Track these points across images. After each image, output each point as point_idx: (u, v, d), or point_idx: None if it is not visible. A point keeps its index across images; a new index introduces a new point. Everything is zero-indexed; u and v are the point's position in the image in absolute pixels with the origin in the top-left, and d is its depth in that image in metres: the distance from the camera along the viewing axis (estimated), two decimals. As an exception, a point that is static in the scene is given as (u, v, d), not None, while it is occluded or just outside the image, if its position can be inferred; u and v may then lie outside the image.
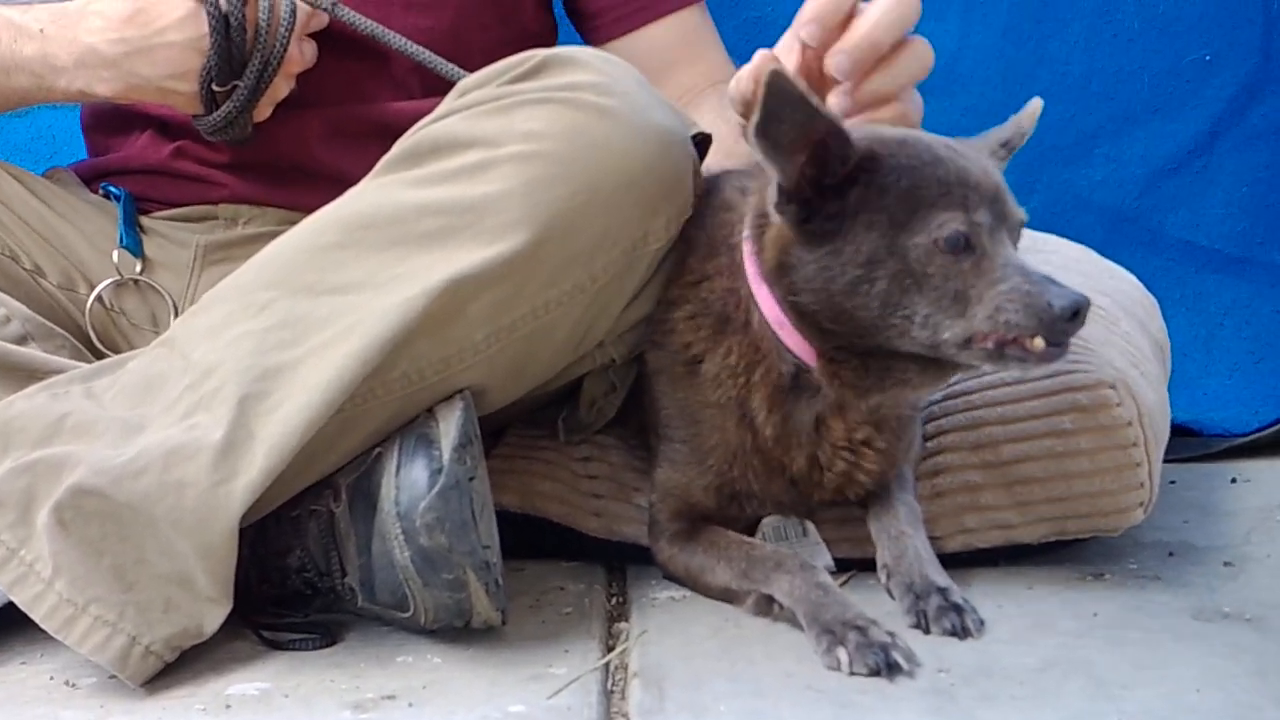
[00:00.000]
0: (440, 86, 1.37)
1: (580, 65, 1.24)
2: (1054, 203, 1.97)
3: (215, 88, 1.37)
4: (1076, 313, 1.09)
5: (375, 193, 1.25)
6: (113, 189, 1.55)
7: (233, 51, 1.36)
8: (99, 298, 1.48)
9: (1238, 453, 1.81)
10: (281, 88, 1.41)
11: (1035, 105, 1.29)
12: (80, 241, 1.50)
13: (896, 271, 1.14)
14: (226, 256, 1.51)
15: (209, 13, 1.35)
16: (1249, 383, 1.99)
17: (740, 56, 1.94)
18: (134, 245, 1.51)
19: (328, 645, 1.20)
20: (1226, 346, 2.00)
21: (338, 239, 1.22)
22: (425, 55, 1.41)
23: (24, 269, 1.46)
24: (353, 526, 1.19)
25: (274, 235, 1.45)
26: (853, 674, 1.10)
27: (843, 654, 1.11)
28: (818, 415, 1.26)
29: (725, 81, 1.59)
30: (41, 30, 1.41)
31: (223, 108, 1.39)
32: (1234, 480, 1.67)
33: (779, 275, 1.20)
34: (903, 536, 1.26)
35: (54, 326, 1.40)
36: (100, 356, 1.43)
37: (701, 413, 1.29)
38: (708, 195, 1.30)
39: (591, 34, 1.67)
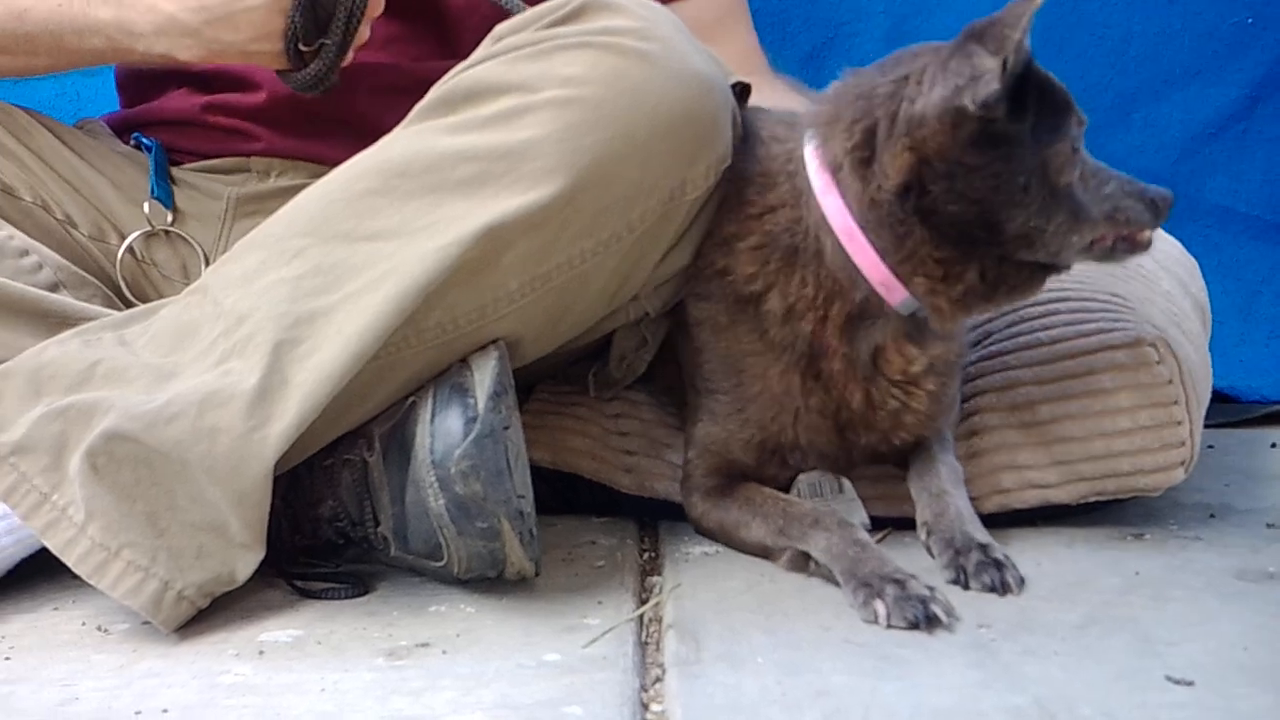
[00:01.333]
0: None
1: (619, 10, 1.22)
2: (1091, 166, 1.95)
3: (302, 47, 1.36)
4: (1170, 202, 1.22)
5: (410, 139, 1.23)
6: (144, 140, 1.54)
7: (318, 11, 1.35)
8: (130, 248, 1.47)
9: (1276, 418, 1.79)
10: (365, 33, 1.39)
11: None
12: (111, 192, 1.49)
13: (1044, 180, 1.17)
14: (259, 209, 1.50)
15: None
16: (1286, 351, 1.97)
17: (772, 14, 1.96)
18: (165, 196, 1.50)
19: (360, 595, 1.20)
20: (1264, 313, 1.98)
21: (372, 185, 1.21)
22: None
23: (55, 219, 1.45)
24: (386, 475, 1.18)
25: (305, 187, 1.45)
26: (890, 627, 1.09)
27: (880, 606, 1.10)
28: (876, 347, 1.25)
29: (757, 71, 1.59)
30: None
31: (312, 66, 1.36)
32: (1274, 445, 1.65)
33: (907, 191, 1.18)
34: (944, 495, 1.25)
35: (86, 274, 1.40)
36: (130, 307, 1.41)
37: (745, 361, 1.28)
38: (748, 131, 1.28)
39: None
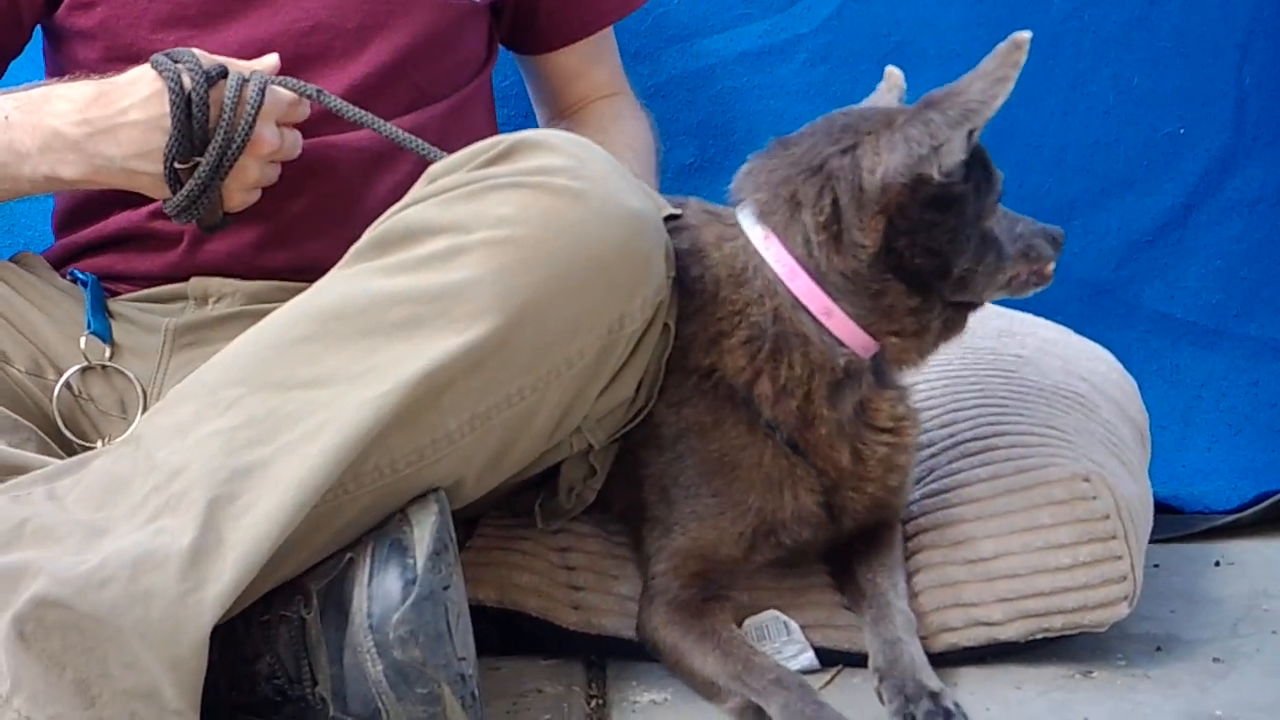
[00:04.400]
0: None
1: (551, 149, 1.23)
2: (1030, 275, 1.97)
3: (177, 165, 1.35)
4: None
5: (344, 283, 1.23)
6: (79, 274, 1.51)
7: (194, 129, 1.34)
8: (66, 384, 1.44)
9: (1220, 532, 1.79)
10: (252, 171, 1.38)
11: (891, 73, 1.43)
12: (48, 327, 1.47)
13: (978, 227, 1.27)
14: (196, 340, 1.48)
15: (170, 88, 1.33)
16: (1226, 456, 1.97)
17: (716, 127, 1.99)
18: (102, 330, 1.47)
19: (298, 757, 1.17)
20: (1204, 420, 1.99)
21: (307, 331, 1.20)
22: (415, 142, 1.39)
23: (-11, 356, 1.43)
24: (324, 635, 1.16)
25: (244, 315, 1.44)
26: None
27: (835, 768, 1.09)
28: (860, 401, 1.30)
29: (616, 95, 1.69)
30: (6, 118, 1.38)
31: (185, 186, 1.36)
32: (1218, 563, 1.65)
33: (877, 253, 1.25)
34: (898, 642, 1.25)
35: (19, 418, 1.36)
36: (68, 444, 1.40)
37: (739, 456, 1.30)
38: (676, 237, 1.31)
39: (530, 47, 1.68)
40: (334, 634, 1.15)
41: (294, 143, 1.40)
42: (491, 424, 1.20)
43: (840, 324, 1.27)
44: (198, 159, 1.35)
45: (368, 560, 1.14)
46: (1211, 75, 1.97)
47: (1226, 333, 1.99)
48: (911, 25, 1.96)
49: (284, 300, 1.28)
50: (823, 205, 1.26)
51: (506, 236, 1.18)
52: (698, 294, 1.30)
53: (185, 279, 1.51)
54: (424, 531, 1.14)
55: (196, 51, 1.35)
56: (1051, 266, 1.33)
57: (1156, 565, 1.62)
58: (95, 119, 1.35)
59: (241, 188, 1.39)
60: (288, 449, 1.15)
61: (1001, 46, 1.22)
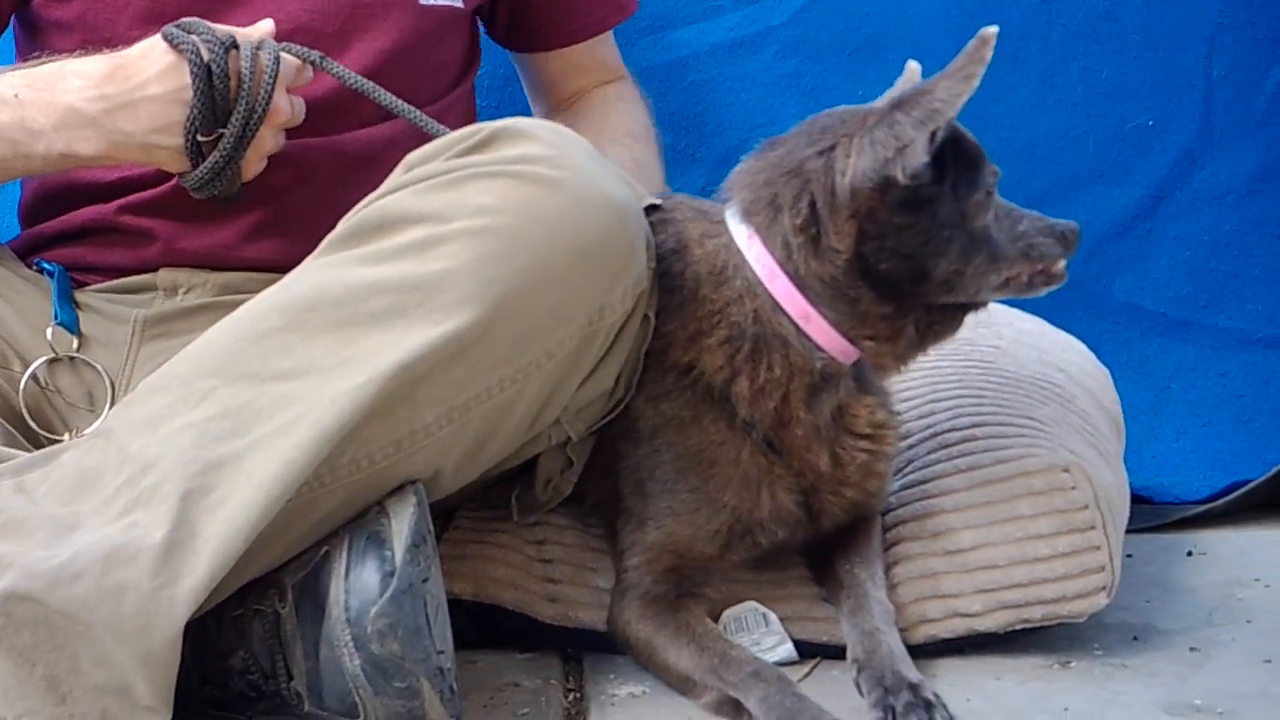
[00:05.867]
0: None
1: (531, 137, 1.22)
2: (1001, 268, 1.97)
3: (200, 138, 1.33)
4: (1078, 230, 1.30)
5: (319, 272, 1.21)
6: (46, 265, 1.49)
7: (216, 101, 1.32)
8: (33, 376, 1.41)
9: (1191, 522, 1.80)
10: (268, 140, 1.36)
11: (911, 68, 1.38)
12: (14, 318, 1.44)
13: (963, 227, 1.23)
14: (165, 331, 1.45)
15: (190, 62, 1.31)
16: (1196, 447, 1.98)
17: (688, 119, 1.98)
18: (69, 321, 1.45)
19: (273, 753, 1.15)
20: (1174, 410, 2.00)
21: (281, 322, 1.18)
22: (414, 114, 1.38)
23: (-45, 349, 1.40)
24: (299, 629, 1.14)
25: (214, 306, 1.41)
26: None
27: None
28: (839, 405, 1.29)
29: (614, 81, 1.68)
30: (17, 96, 1.34)
31: (209, 159, 1.34)
32: (1190, 553, 1.66)
33: (851, 258, 1.23)
34: (876, 633, 1.24)
35: (-15, 410, 1.34)
36: (35, 438, 1.37)
37: (716, 451, 1.29)
38: (661, 232, 1.30)
39: (529, 46, 1.67)
40: (310, 628, 1.13)
41: (301, 109, 1.38)
42: (470, 416, 1.19)
43: (818, 329, 1.26)
44: (220, 131, 1.33)
45: (344, 553, 1.13)
46: (1179, 67, 1.98)
47: (1195, 324, 2.00)
48: (883, 18, 1.96)
49: (255, 291, 1.26)
50: (800, 208, 1.25)
51: (486, 226, 1.17)
52: (678, 290, 1.29)
53: (155, 270, 1.49)
54: (402, 524, 1.13)
55: (205, 22, 1.33)
56: (1061, 265, 1.29)
57: (1130, 555, 1.61)
58: (112, 94, 1.32)
59: (258, 157, 1.37)
60: (262, 442, 1.13)
61: (970, 43, 1.21)
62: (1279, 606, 1.45)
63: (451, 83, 1.56)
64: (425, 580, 1.10)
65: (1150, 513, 1.83)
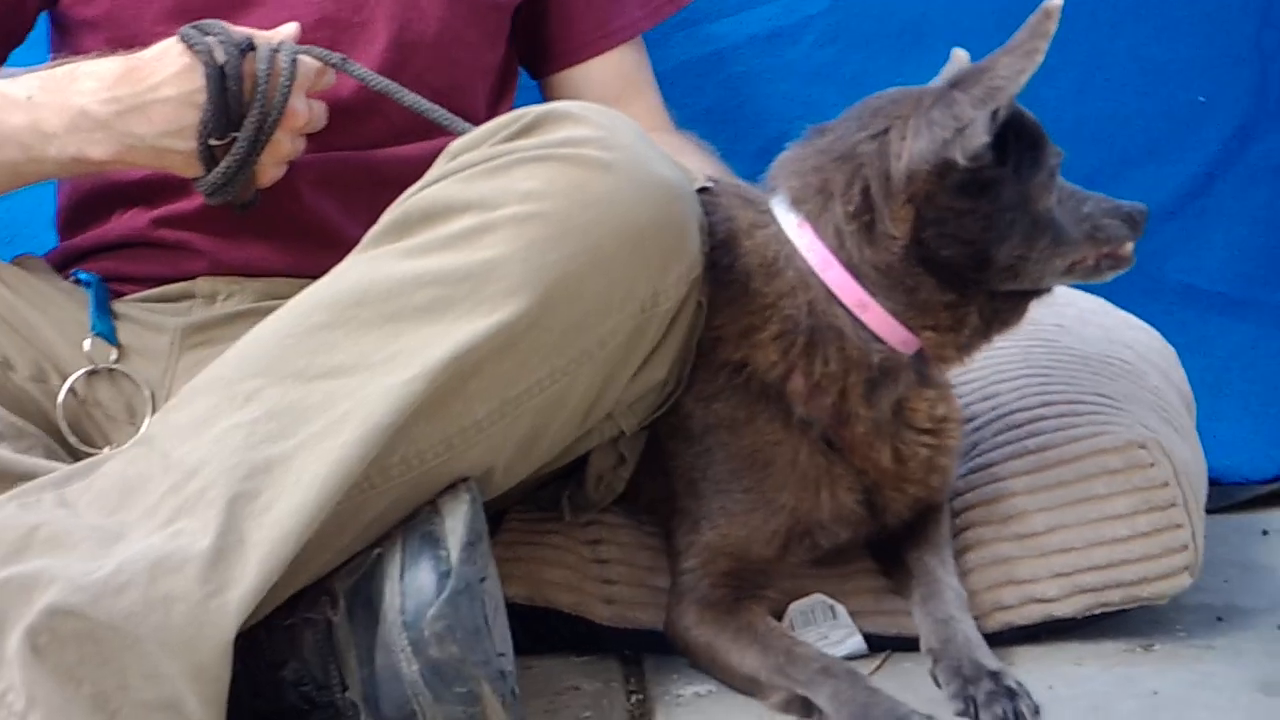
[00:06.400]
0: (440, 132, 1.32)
1: (577, 119, 1.18)
2: (1053, 251, 1.93)
3: (213, 141, 1.30)
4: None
5: (364, 266, 1.18)
6: (83, 275, 1.46)
7: (229, 104, 1.29)
8: (72, 389, 1.39)
9: (1261, 502, 1.76)
10: (285, 145, 1.33)
11: (959, 55, 1.32)
12: (51, 330, 1.41)
13: (1026, 210, 1.19)
14: (206, 339, 1.43)
15: (204, 63, 1.28)
16: (1261, 426, 1.94)
17: (726, 112, 1.95)
18: (107, 332, 1.42)
19: (331, 764, 1.11)
20: (1235, 390, 1.95)
21: (326, 319, 1.15)
22: (440, 113, 1.34)
23: (-10, 362, 1.37)
24: (353, 636, 1.10)
25: (254, 313, 1.38)
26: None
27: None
28: (898, 400, 1.24)
29: (663, 129, 1.60)
30: (29, 98, 1.32)
31: (221, 163, 1.31)
32: (1265, 532, 1.62)
33: (909, 244, 1.20)
34: (950, 620, 1.20)
35: (24, 424, 1.31)
36: (75, 452, 1.34)
37: (772, 451, 1.25)
38: (726, 225, 1.26)
39: (540, 66, 1.62)
40: (364, 634, 1.09)
41: (321, 114, 1.35)
42: (522, 410, 1.16)
43: (877, 318, 1.21)
44: (234, 134, 1.30)
45: (398, 554, 1.10)
46: (1231, 42, 1.94)
47: (1254, 301, 1.96)
48: (921, 3, 1.92)
49: (296, 295, 1.23)
50: (852, 194, 1.21)
51: (534, 211, 1.13)
52: (728, 284, 1.24)
53: (194, 279, 1.46)
54: (456, 522, 1.09)
55: (223, 23, 1.30)
56: (1129, 247, 1.26)
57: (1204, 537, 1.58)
58: (124, 96, 1.29)
59: (274, 162, 1.34)
60: (310, 442, 1.10)
61: (1032, 17, 1.16)
62: (1359, 582, 1.40)
63: (492, 92, 1.52)
64: (483, 579, 1.07)
65: (1219, 494, 1.77)
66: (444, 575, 1.06)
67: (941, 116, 1.17)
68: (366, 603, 1.10)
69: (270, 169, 1.34)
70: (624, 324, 1.18)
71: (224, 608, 1.05)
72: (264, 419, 1.12)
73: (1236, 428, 1.93)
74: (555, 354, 1.15)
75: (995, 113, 1.16)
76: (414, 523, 1.12)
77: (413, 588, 1.07)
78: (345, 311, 1.14)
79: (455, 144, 1.22)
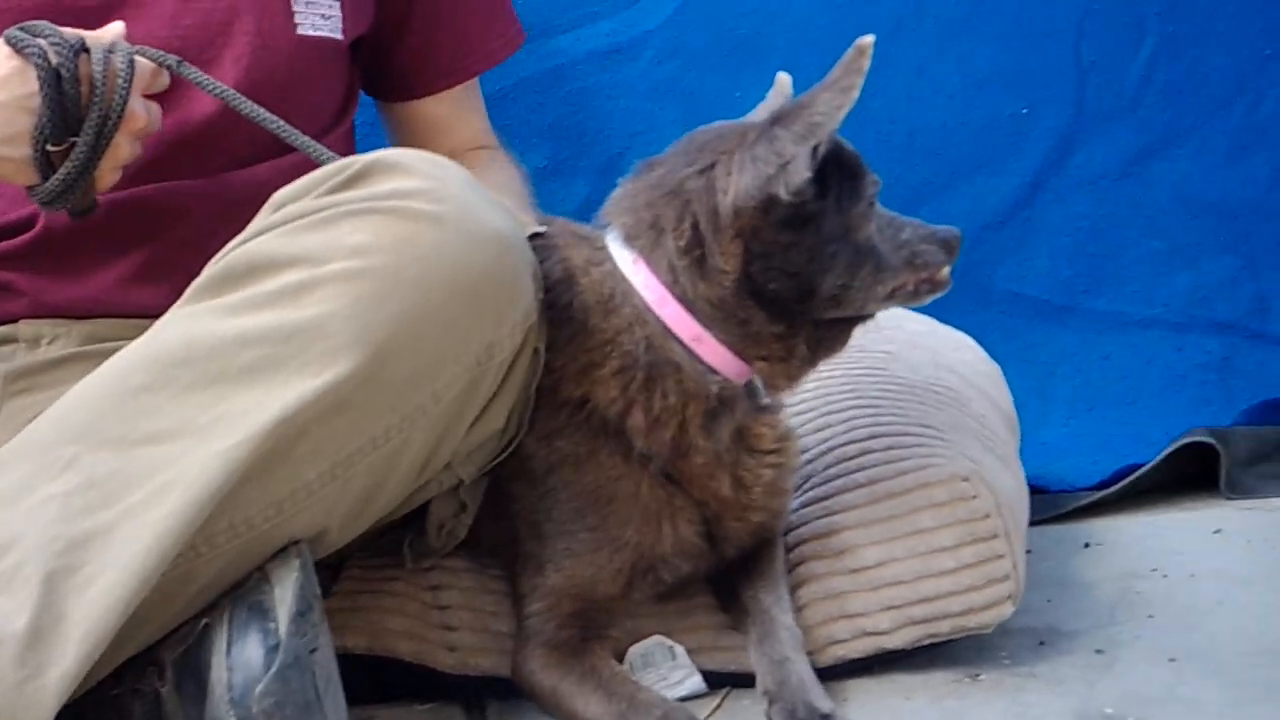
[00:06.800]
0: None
1: (406, 170, 1.16)
2: (883, 260, 1.97)
3: (50, 148, 1.24)
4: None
5: (186, 324, 1.14)
6: (-103, 320, 1.39)
7: (66, 107, 1.23)
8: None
9: (1086, 511, 1.80)
10: (124, 148, 1.27)
11: (782, 80, 1.35)
12: None
13: (848, 240, 1.22)
14: (31, 385, 1.37)
15: (37, 65, 1.22)
16: (1084, 432, 2.01)
17: (568, 129, 1.94)
18: (-74, 380, 1.36)
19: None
20: (1059, 396, 2.02)
21: (147, 380, 1.11)
22: (279, 124, 1.30)
23: None
24: (181, 709, 1.08)
25: (81, 357, 1.34)
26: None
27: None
28: (738, 428, 1.26)
29: (485, 149, 1.62)
30: None
31: (61, 169, 1.25)
32: (1087, 545, 1.67)
33: (739, 278, 1.21)
34: (785, 662, 1.22)
35: None
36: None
37: (614, 487, 1.25)
38: (546, 260, 1.25)
39: (390, 94, 1.61)
40: (192, 708, 1.07)
41: (157, 116, 1.30)
42: (355, 470, 1.14)
43: (711, 351, 1.23)
44: (71, 139, 1.24)
45: (225, 626, 1.07)
46: (1051, 54, 2.00)
47: (1077, 309, 2.03)
48: (757, 18, 1.94)
49: (124, 338, 1.19)
50: (683, 230, 1.22)
51: (362, 267, 1.11)
52: (567, 323, 1.24)
53: (14, 321, 1.40)
54: (286, 591, 1.07)
55: (51, 24, 1.24)
56: (945, 271, 1.28)
57: (1029, 551, 1.61)
58: None
59: (113, 167, 1.28)
60: (132, 512, 1.07)
61: (847, 54, 1.18)
62: (1177, 598, 1.46)
63: (331, 120, 1.49)
64: (313, 651, 1.05)
65: (1046, 503, 1.83)
66: (272, 649, 1.04)
67: (765, 153, 1.19)
68: (195, 674, 1.07)
69: (109, 174, 1.28)
70: (459, 377, 1.16)
71: (42, 690, 1.02)
72: (83, 488, 1.08)
73: (1062, 433, 2.00)
74: (388, 412, 1.13)
75: (816, 148, 1.18)
76: (242, 592, 1.09)
77: (240, 661, 1.04)
78: (166, 372, 1.11)
79: (279, 194, 1.19)
